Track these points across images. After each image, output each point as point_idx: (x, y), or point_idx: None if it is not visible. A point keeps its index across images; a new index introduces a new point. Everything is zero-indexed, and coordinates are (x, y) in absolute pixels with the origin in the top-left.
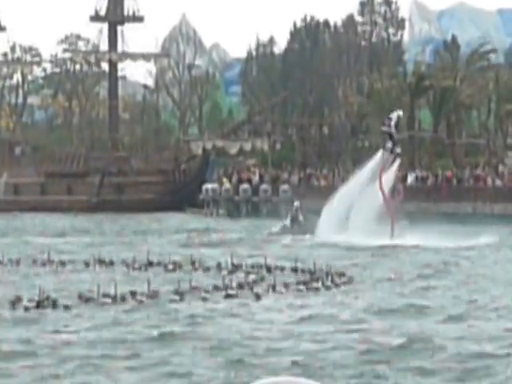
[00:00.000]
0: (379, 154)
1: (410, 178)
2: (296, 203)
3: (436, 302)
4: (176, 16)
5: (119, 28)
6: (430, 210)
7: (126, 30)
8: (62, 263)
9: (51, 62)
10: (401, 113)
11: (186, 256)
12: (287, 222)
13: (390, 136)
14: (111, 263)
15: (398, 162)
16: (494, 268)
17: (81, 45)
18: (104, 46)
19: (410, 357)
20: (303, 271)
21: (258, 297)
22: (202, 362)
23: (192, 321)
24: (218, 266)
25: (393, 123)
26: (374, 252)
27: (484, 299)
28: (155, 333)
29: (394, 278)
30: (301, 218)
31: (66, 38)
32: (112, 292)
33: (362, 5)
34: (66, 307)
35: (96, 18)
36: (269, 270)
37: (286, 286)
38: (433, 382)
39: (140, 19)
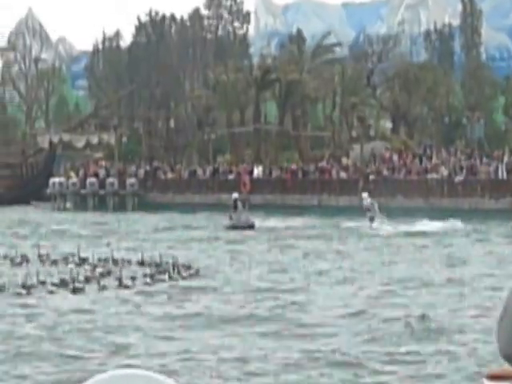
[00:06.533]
0: None
1: (257, 171)
2: (234, 195)
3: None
4: (22, 9)
5: None
6: (276, 202)
7: None
8: None
9: None
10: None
11: (34, 249)
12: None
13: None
14: None
15: None
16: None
17: None
18: None
19: None
20: (150, 264)
21: (104, 290)
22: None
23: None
24: (65, 259)
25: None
26: None
27: None
28: None
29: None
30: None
31: None
32: None
33: None
34: None
35: None
36: (115, 263)
37: (133, 278)
38: None
39: None
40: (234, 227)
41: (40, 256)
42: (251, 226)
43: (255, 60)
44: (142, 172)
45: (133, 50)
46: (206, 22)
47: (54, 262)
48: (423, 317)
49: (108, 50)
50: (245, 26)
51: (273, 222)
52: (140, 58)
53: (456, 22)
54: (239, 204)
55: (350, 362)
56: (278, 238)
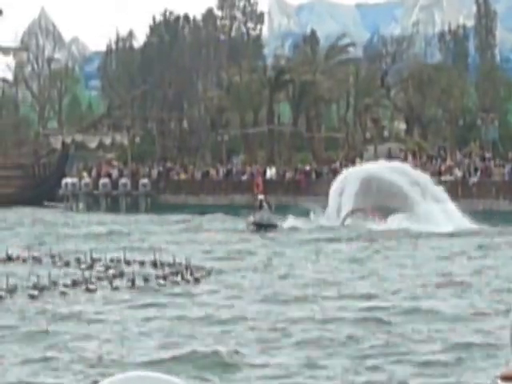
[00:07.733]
0: None
1: (270, 172)
2: (260, 196)
3: None
4: (35, 9)
5: None
6: (290, 203)
7: None
8: None
9: None
10: None
11: (46, 250)
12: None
13: None
14: None
15: None
16: None
17: None
18: None
19: None
20: (162, 265)
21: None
22: None
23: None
24: (77, 260)
25: None
26: None
27: None
28: None
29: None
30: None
31: None
32: None
33: None
34: None
35: None
36: (128, 263)
37: (146, 279)
38: None
39: None
40: (256, 225)
41: (52, 257)
42: (274, 226)
43: (269, 61)
44: (154, 173)
45: (146, 50)
46: (219, 23)
47: (67, 263)
48: None
49: (121, 50)
50: (258, 27)
51: (291, 222)
52: (153, 58)
53: (470, 23)
54: (265, 205)
55: None
56: (301, 239)
